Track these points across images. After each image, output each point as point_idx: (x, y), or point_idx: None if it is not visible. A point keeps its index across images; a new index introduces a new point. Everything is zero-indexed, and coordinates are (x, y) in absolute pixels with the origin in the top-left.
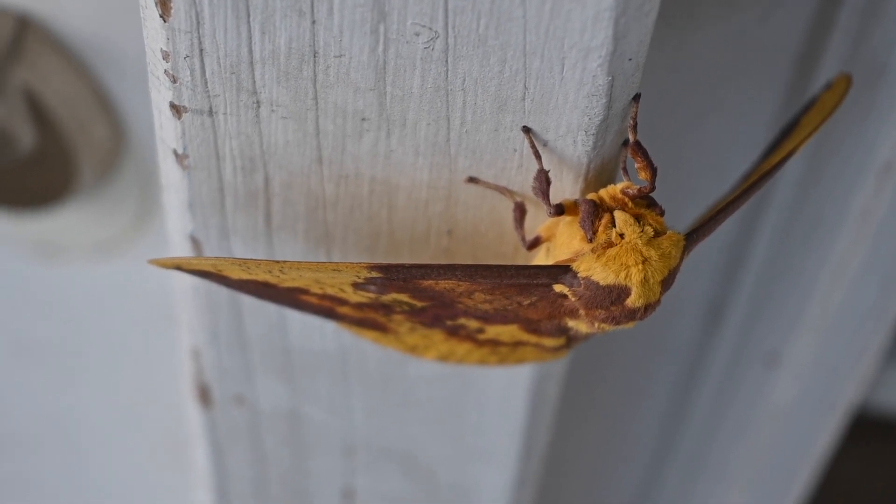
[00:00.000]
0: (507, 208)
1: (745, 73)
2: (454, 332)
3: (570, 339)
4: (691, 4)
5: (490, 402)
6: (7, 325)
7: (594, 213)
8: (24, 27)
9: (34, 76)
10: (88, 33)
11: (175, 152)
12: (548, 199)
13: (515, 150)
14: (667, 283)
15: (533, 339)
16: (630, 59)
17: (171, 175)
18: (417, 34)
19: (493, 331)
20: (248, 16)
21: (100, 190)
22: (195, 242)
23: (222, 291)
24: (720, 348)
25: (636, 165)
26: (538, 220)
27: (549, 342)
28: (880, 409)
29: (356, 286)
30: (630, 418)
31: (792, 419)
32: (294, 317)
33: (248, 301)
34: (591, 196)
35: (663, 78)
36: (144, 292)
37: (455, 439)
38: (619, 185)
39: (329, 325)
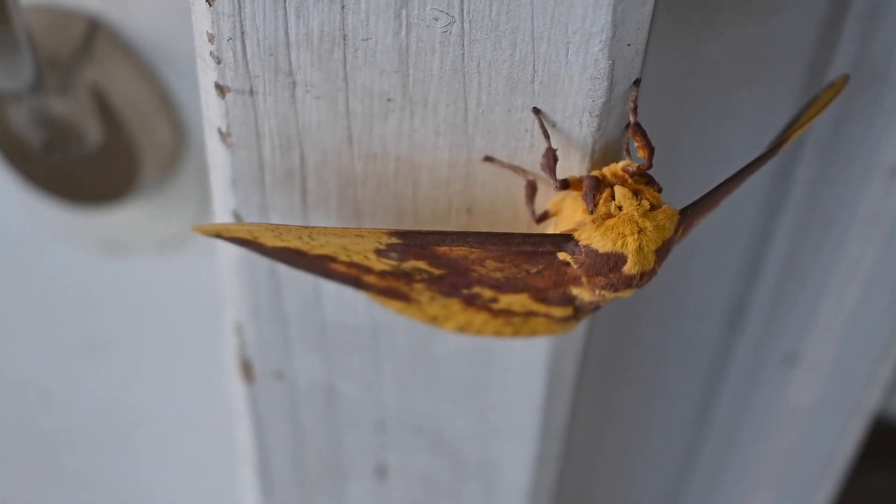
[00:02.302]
0: (521, 187)
1: (760, 77)
2: (470, 302)
3: (577, 309)
4: (709, 11)
5: (509, 380)
6: (72, 320)
7: (596, 188)
8: (95, 29)
9: (102, 76)
10: (154, 37)
11: (220, 130)
12: (554, 175)
13: (527, 131)
14: (661, 253)
15: (542, 308)
16: (629, 45)
17: (216, 153)
18: (436, 19)
19: (505, 300)
20: (284, 0)
21: (161, 188)
22: (238, 218)
23: (263, 266)
24: (740, 349)
25: (636, 145)
26: (548, 198)
27: (558, 312)
28: None
29: (379, 253)
30: (653, 414)
31: (813, 422)
32: (329, 292)
33: (286, 275)
34: (594, 173)
35: (683, 81)
36: (204, 287)
37: (478, 416)
38: (621, 164)
39: (361, 301)
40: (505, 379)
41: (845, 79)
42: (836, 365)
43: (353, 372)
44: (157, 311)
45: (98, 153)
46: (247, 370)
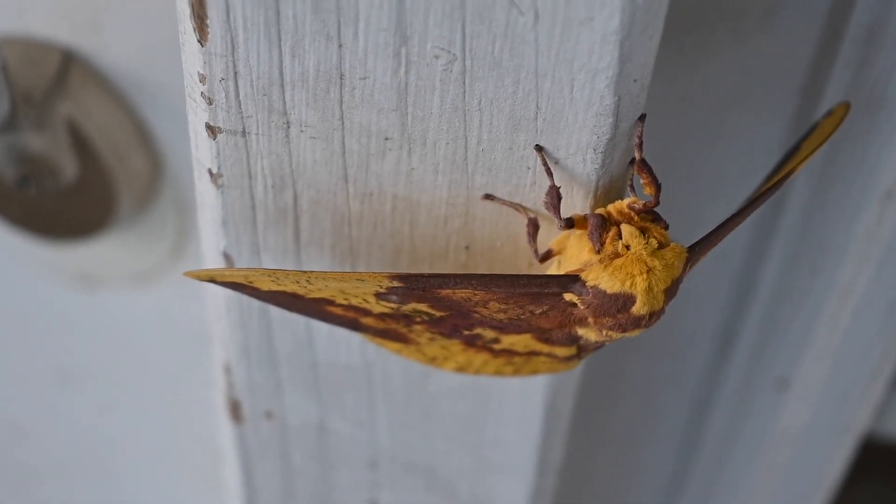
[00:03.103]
0: (521, 224)
1: (753, 102)
2: (471, 343)
3: (581, 348)
4: (701, 36)
5: (507, 417)
6: (47, 353)
7: (602, 227)
8: (69, 62)
9: (77, 109)
10: (129, 68)
11: (210, 171)
12: (559, 214)
13: (529, 168)
14: (670, 292)
15: (545, 348)
16: (635, 80)
17: (205, 194)
18: (437, 57)
19: (507, 340)
20: (280, 40)
21: (138, 220)
22: (228, 259)
23: (253, 307)
24: (731, 373)
25: (642, 182)
26: (550, 235)
27: (561, 352)
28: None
29: (379, 296)
30: (644, 441)
31: (803, 444)
32: (321, 332)
33: (277, 316)
34: (599, 211)
35: (675, 107)
36: (182, 319)
37: (474, 452)
38: (626, 201)
39: (354, 340)
40: (502, 415)
41: (846, 107)
42: (828, 388)
43: (346, 411)
44: (134, 345)
45: (74, 187)
46: (235, 410)
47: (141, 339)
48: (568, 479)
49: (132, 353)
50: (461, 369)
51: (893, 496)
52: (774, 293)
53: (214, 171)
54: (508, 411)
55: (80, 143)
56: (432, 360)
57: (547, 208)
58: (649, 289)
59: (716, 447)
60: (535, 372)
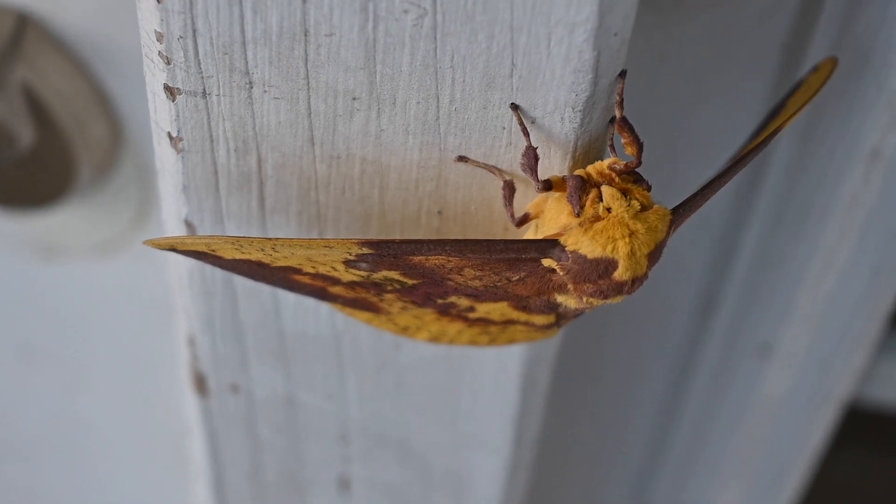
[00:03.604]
0: (496, 188)
1: (735, 61)
2: (445, 312)
3: (560, 316)
4: None
5: (482, 388)
6: (8, 327)
7: (582, 188)
8: (24, 25)
9: (33, 74)
10: (87, 31)
11: (169, 135)
12: (536, 175)
13: (504, 128)
14: (654, 256)
15: (523, 316)
16: (615, 34)
17: (165, 159)
18: (406, 11)
19: (483, 309)
20: None
21: (98, 189)
22: (190, 226)
23: (217, 277)
24: (712, 340)
25: (623, 141)
26: (527, 199)
27: (539, 320)
28: (876, 407)
29: (347, 263)
30: (624, 410)
31: (785, 411)
32: (288, 301)
33: (242, 286)
34: (578, 172)
35: (653, 67)
36: (146, 290)
37: (448, 425)
38: (607, 161)
39: (322, 310)
40: (476, 387)
41: (833, 62)
42: (811, 354)
43: (315, 383)
44: (97, 317)
45: (31, 154)
46: (200, 384)
47: (104, 311)
48: (546, 451)
49: (95, 325)
50: (434, 339)
51: (872, 463)
52: (757, 257)
53: (174, 134)
54: (483, 382)
55: (37, 109)
56: (404, 330)
57: (523, 170)
58: (632, 253)
59: (698, 415)
60: (511, 341)
